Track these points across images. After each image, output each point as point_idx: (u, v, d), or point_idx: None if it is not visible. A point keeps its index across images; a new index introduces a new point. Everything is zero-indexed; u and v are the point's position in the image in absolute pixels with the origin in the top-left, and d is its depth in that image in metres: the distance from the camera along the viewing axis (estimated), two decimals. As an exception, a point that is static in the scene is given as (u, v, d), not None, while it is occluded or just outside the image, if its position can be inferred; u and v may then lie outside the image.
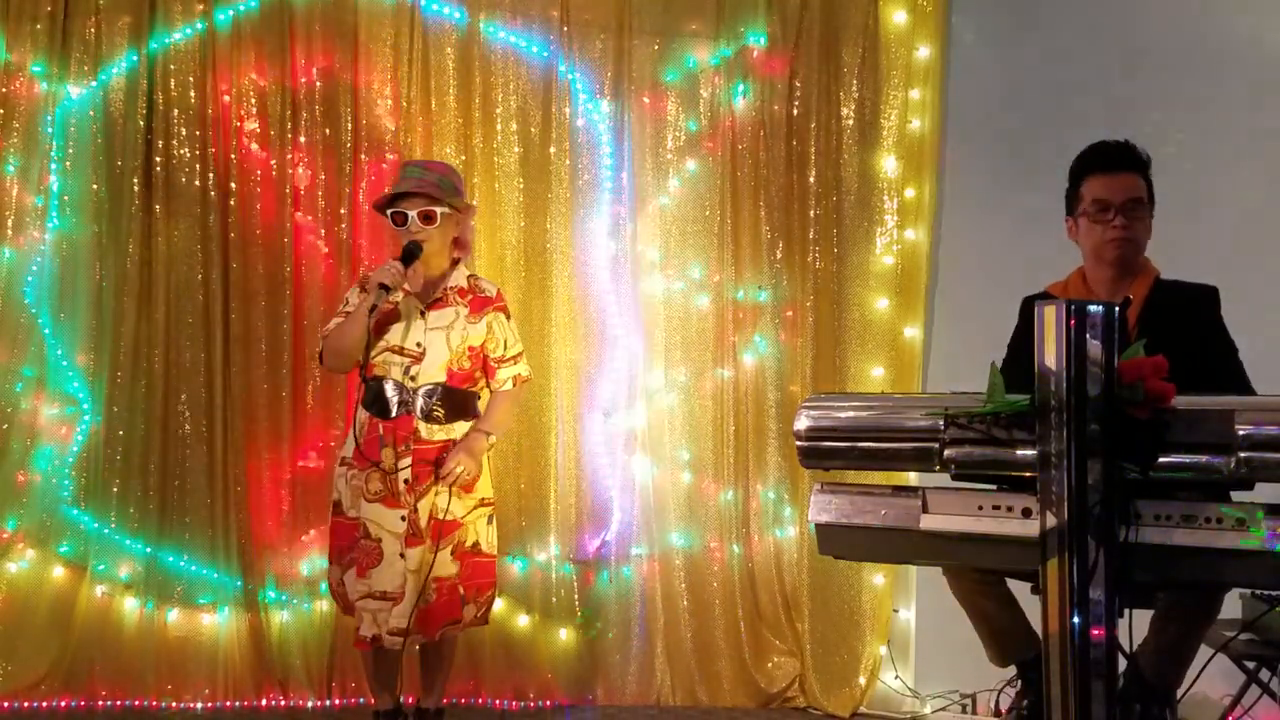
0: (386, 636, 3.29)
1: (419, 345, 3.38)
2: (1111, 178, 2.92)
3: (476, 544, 3.45)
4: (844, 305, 4.34)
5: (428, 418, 3.36)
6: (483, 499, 3.48)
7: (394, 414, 3.35)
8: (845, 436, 2.39)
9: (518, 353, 3.57)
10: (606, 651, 4.28)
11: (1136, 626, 2.46)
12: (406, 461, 3.34)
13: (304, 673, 4.12)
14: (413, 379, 3.37)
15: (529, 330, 4.29)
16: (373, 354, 3.38)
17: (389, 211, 3.45)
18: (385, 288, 3.29)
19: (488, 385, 3.56)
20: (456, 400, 3.43)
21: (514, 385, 3.56)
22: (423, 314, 3.41)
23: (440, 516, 3.35)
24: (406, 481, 3.33)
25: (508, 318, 3.55)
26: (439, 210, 3.40)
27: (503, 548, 4.27)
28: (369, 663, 3.49)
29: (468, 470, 3.36)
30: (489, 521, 3.51)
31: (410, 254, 3.39)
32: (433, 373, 3.38)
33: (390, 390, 3.36)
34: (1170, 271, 2.97)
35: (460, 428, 3.42)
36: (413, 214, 3.39)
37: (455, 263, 3.54)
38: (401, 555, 3.30)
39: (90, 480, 4.17)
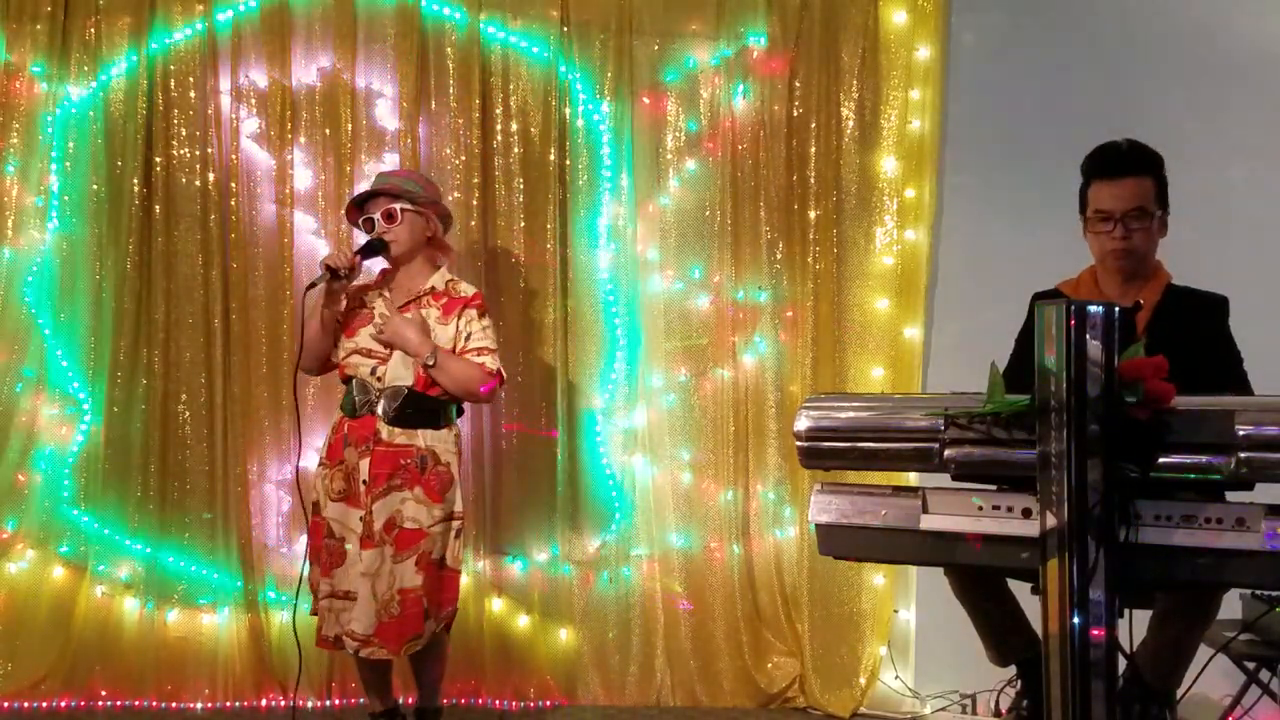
0: (344, 638, 3.27)
1: (386, 347, 3.36)
2: (1114, 185, 2.86)
3: (442, 557, 3.35)
4: (844, 305, 4.34)
5: (389, 420, 3.32)
6: (451, 512, 3.38)
7: (358, 414, 3.34)
8: (845, 437, 2.39)
9: (483, 347, 3.38)
10: (606, 651, 4.28)
11: (1136, 626, 2.46)
12: (367, 462, 3.30)
13: (304, 673, 4.12)
14: (379, 379, 3.34)
15: (529, 332, 4.30)
16: (343, 355, 3.39)
17: (360, 219, 3.45)
18: (331, 269, 3.27)
19: None
20: (424, 406, 3.34)
21: (479, 360, 3.37)
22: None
23: (404, 525, 3.29)
24: (365, 482, 3.30)
25: (480, 315, 3.42)
26: (398, 207, 3.38)
27: (503, 548, 4.28)
28: (359, 665, 3.48)
29: (391, 326, 3.27)
30: (455, 536, 3.39)
31: (371, 249, 3.38)
32: (400, 374, 3.32)
33: (356, 389, 3.35)
34: (1173, 274, 2.96)
35: (425, 435, 3.33)
36: (376, 214, 3.39)
37: (438, 268, 3.51)
38: (360, 556, 3.27)
39: (90, 480, 4.18)
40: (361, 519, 3.29)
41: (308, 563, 3.43)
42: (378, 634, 3.24)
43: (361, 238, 3.48)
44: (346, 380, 3.40)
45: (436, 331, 3.37)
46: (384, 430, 3.32)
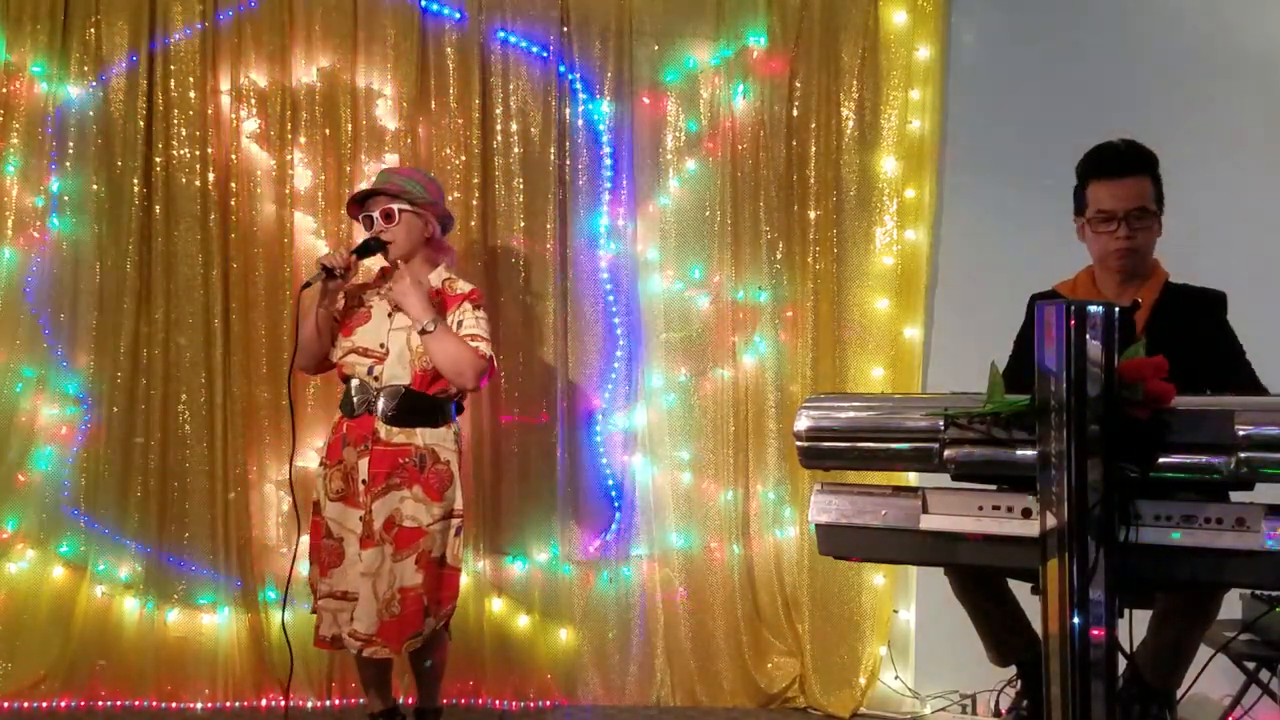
0: (346, 638, 3.28)
1: (382, 345, 3.35)
2: (1116, 184, 2.87)
3: (442, 555, 3.34)
4: (844, 305, 4.34)
5: (388, 419, 3.32)
6: (451, 510, 3.37)
7: (356, 413, 3.34)
8: (845, 437, 2.39)
9: (475, 334, 3.34)
10: (606, 651, 4.28)
11: (1136, 627, 2.46)
12: (366, 461, 3.30)
13: (304, 673, 4.12)
14: (376, 379, 3.34)
15: (529, 331, 4.30)
16: (340, 354, 3.39)
17: (360, 216, 3.45)
18: (326, 269, 3.28)
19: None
20: (422, 405, 3.33)
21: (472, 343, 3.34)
22: (390, 315, 3.39)
23: (403, 523, 3.29)
24: (364, 482, 3.30)
25: (475, 307, 3.40)
26: (397, 207, 3.38)
27: (502, 548, 4.28)
28: (359, 665, 3.48)
29: (400, 285, 3.27)
30: (455, 534, 3.36)
31: (367, 248, 3.38)
32: (397, 372, 3.32)
33: (355, 389, 3.36)
34: (1171, 273, 2.96)
35: (424, 433, 3.33)
36: (375, 213, 3.39)
37: (435, 267, 3.50)
38: (359, 556, 3.27)
39: (90, 480, 4.18)
40: (361, 519, 3.30)
41: (307, 562, 3.44)
42: (379, 633, 3.24)
43: (360, 234, 3.49)
44: (345, 380, 3.41)
45: None
46: (382, 429, 3.31)
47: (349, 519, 3.32)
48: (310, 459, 4.17)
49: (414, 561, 3.28)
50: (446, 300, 3.43)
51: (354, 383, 3.37)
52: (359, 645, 3.25)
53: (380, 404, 3.32)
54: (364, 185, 3.46)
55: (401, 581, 3.27)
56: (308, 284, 3.33)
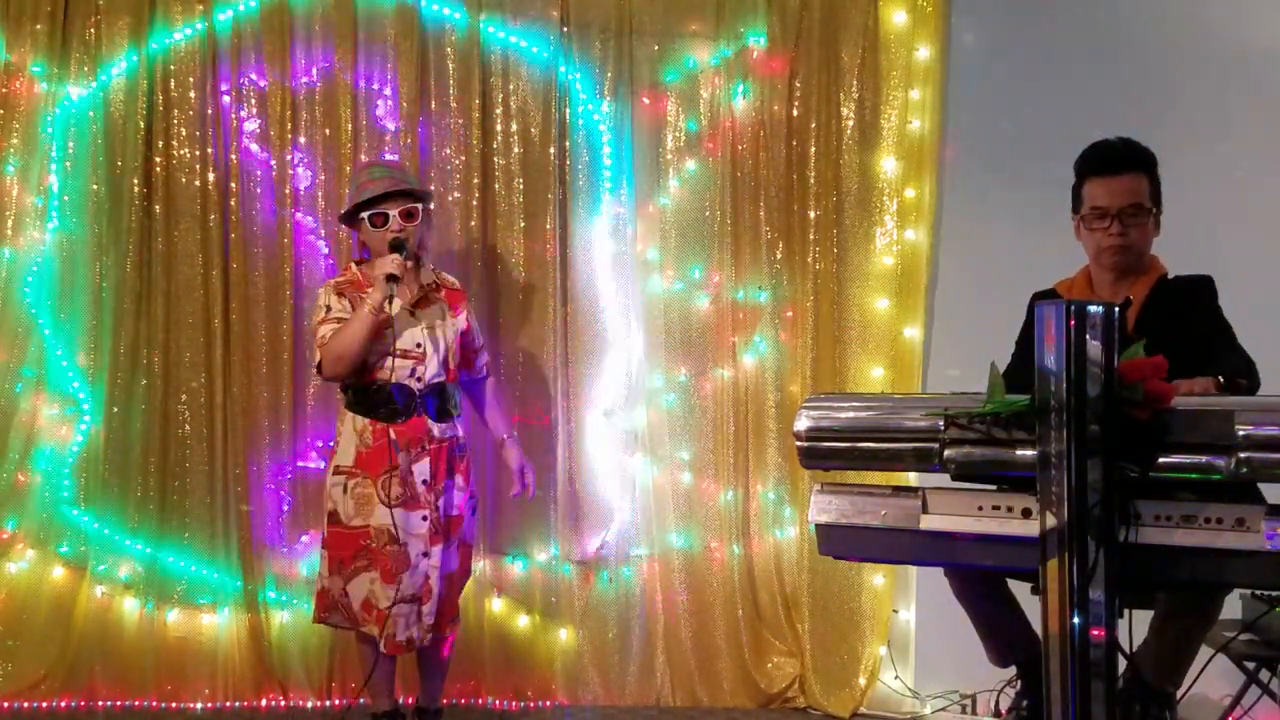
0: (418, 637, 3.35)
1: (419, 346, 3.37)
2: (1110, 181, 2.87)
3: (463, 534, 3.54)
4: (844, 305, 4.34)
5: (441, 417, 3.40)
6: (471, 491, 3.56)
7: (404, 416, 3.36)
8: (845, 437, 2.39)
9: (484, 343, 3.73)
10: (606, 651, 4.28)
11: (1137, 627, 2.46)
12: (425, 462, 3.35)
13: (304, 673, 4.12)
14: (419, 380, 3.37)
15: (529, 331, 4.30)
16: (375, 358, 3.38)
17: (367, 215, 3.41)
18: (394, 278, 3.29)
19: (467, 372, 3.63)
20: (452, 396, 3.50)
21: (488, 374, 3.72)
22: (412, 313, 3.41)
23: (452, 513, 3.44)
24: (425, 482, 3.35)
25: (473, 309, 3.68)
26: (420, 207, 3.44)
27: (503, 547, 4.28)
28: (370, 664, 3.48)
29: (523, 460, 3.69)
30: (473, 512, 3.61)
31: (400, 247, 3.38)
32: (435, 371, 3.39)
33: (398, 393, 3.36)
34: (1173, 271, 2.96)
35: (457, 423, 3.52)
36: (394, 213, 3.40)
37: (417, 260, 3.53)
38: (425, 554, 3.35)
39: (90, 480, 4.17)
40: (425, 518, 3.35)
41: (327, 573, 3.43)
42: (436, 622, 3.38)
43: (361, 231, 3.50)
44: (371, 385, 3.38)
45: (454, 325, 3.47)
46: (435, 428, 3.39)
47: (411, 523, 3.35)
48: (311, 458, 4.17)
49: (456, 547, 3.44)
50: (450, 294, 3.53)
51: (394, 387, 3.36)
52: (428, 638, 3.37)
53: (429, 403, 3.39)
54: (382, 186, 3.42)
55: (449, 568, 3.41)
56: (390, 297, 3.28)
